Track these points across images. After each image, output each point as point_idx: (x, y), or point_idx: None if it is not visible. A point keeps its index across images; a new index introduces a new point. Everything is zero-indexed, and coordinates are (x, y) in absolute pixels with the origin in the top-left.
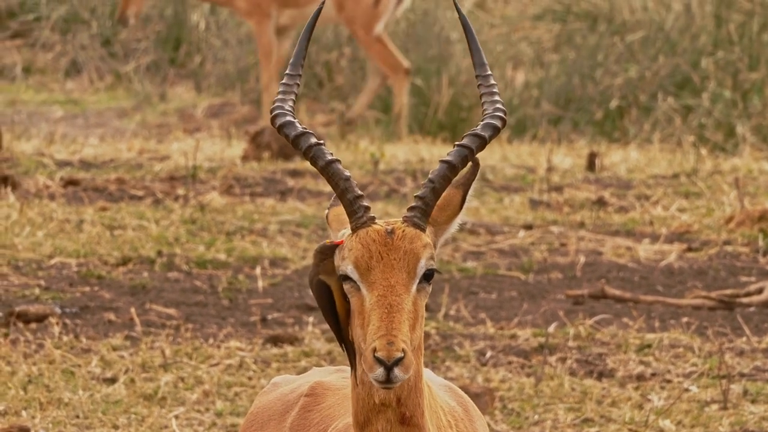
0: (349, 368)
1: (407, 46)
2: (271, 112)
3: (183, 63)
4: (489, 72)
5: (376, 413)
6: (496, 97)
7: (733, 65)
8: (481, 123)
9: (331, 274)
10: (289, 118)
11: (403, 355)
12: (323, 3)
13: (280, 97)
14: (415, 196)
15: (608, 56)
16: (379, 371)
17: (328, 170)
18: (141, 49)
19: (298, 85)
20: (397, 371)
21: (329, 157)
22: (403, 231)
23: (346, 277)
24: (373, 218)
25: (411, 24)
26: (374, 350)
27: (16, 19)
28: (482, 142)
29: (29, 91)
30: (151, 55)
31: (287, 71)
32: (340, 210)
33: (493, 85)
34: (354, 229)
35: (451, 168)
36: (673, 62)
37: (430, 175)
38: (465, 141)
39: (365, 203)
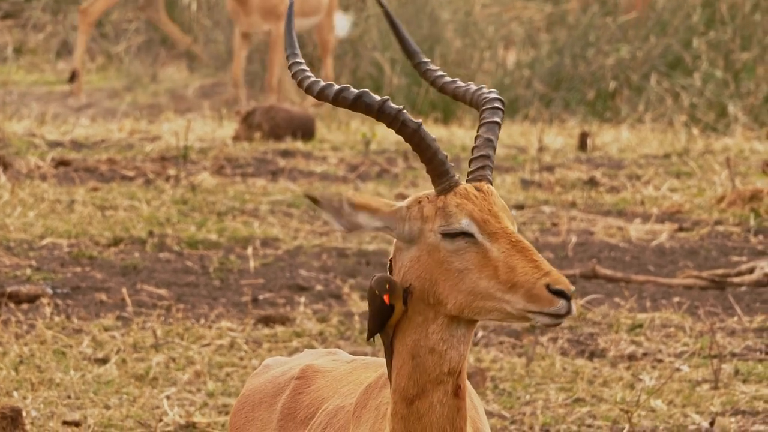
0: (339, 350)
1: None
2: (331, 88)
3: (174, 44)
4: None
5: (437, 384)
6: (451, 78)
7: (725, 45)
8: (481, 92)
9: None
10: (353, 89)
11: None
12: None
13: (313, 78)
14: (481, 156)
15: (600, 36)
16: (562, 303)
17: (420, 133)
18: (132, 29)
19: None
20: (572, 303)
21: (417, 121)
22: (488, 187)
23: (459, 234)
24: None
25: (402, 4)
26: (547, 285)
27: None
28: (503, 103)
29: (20, 71)
30: (142, 35)
31: (295, 60)
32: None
33: (438, 69)
34: (449, 189)
35: (499, 127)
36: (665, 42)
37: (485, 135)
38: (495, 104)
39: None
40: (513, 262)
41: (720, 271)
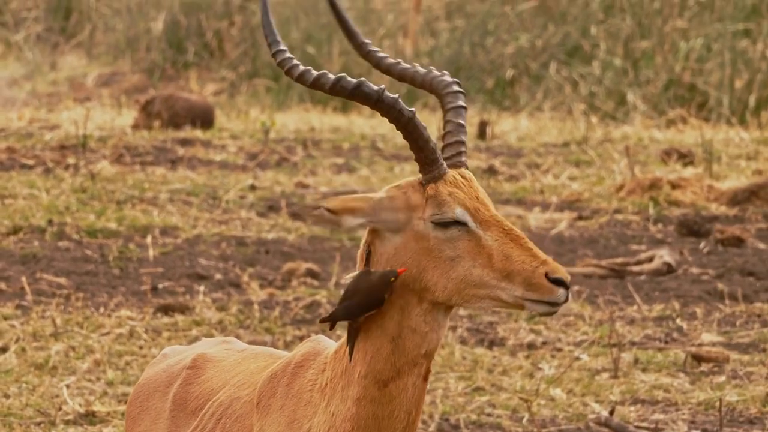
0: (233, 339)
1: (297, 14)
2: (327, 77)
3: (73, 32)
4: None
5: (413, 366)
6: (394, 59)
7: (624, 33)
8: (434, 75)
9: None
10: (350, 78)
11: None
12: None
13: (303, 66)
14: (456, 141)
15: (499, 25)
16: (561, 292)
17: (414, 121)
18: (31, 17)
19: None
20: (569, 291)
21: (411, 109)
22: (469, 174)
23: (453, 223)
24: None
25: None
26: (546, 274)
27: None
28: (461, 85)
29: None
30: (41, 23)
31: (279, 48)
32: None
33: (381, 50)
34: (438, 177)
35: (466, 110)
36: (564, 30)
37: (456, 120)
38: (455, 88)
39: None
40: (508, 250)
41: (619, 260)
